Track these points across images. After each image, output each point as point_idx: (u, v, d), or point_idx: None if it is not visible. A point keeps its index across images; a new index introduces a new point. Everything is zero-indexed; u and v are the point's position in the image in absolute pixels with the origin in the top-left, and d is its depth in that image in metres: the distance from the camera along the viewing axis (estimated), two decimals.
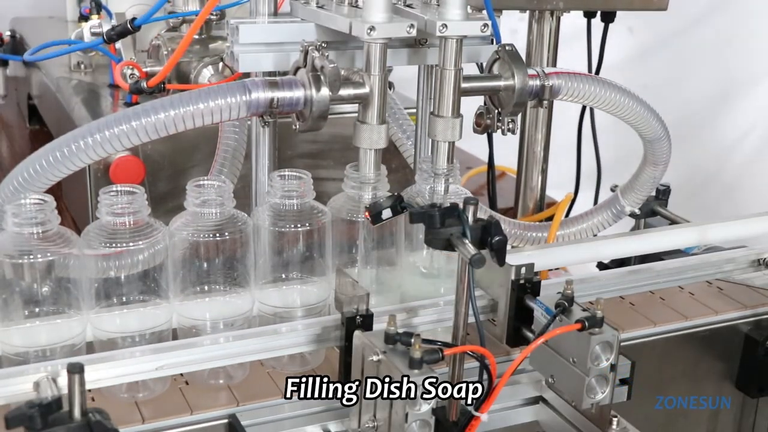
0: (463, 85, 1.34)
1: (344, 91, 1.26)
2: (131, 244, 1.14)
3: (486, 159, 2.18)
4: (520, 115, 1.43)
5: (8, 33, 2.52)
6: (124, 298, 1.16)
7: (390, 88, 1.73)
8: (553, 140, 1.97)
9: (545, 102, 1.43)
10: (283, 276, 1.26)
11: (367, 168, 1.30)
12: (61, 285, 1.13)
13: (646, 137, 1.62)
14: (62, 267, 1.13)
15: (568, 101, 1.48)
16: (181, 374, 1.20)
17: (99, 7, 2.06)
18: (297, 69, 1.28)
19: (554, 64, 1.89)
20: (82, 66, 2.13)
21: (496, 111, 1.41)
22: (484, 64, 1.44)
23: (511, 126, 1.42)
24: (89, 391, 1.13)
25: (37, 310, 1.14)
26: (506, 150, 2.18)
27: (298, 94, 1.25)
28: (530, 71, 1.40)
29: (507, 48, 1.38)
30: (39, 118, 2.38)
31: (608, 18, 1.95)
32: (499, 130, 1.43)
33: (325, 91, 1.24)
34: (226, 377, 1.22)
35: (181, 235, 1.19)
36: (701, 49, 3.43)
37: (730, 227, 1.68)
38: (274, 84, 1.25)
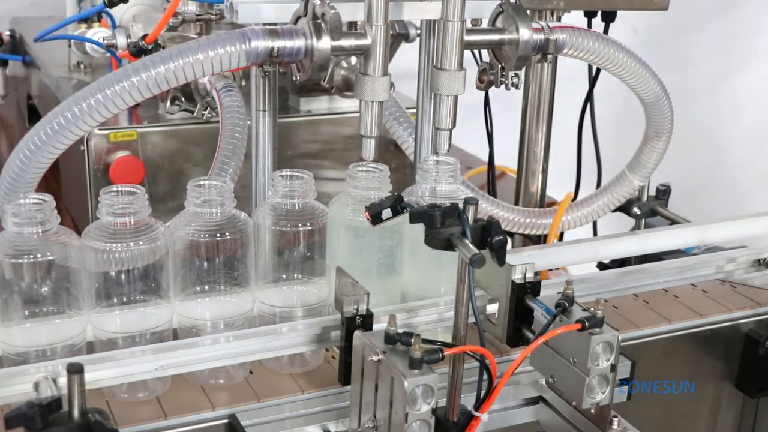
0: (467, 38, 1.32)
1: (346, 42, 1.25)
2: (132, 244, 1.14)
3: (486, 159, 2.18)
4: (523, 76, 1.40)
5: (8, 33, 2.52)
6: (124, 298, 1.16)
7: (390, 88, 1.74)
8: (553, 140, 1.97)
9: (549, 57, 1.41)
10: (284, 276, 1.26)
11: (368, 122, 1.29)
12: (61, 285, 1.13)
13: (645, 100, 1.62)
14: (62, 267, 1.13)
15: (572, 56, 1.47)
16: (182, 374, 1.20)
17: (100, 14, 2.06)
18: (298, 18, 1.27)
19: (555, 64, 1.89)
20: (82, 66, 2.13)
21: (500, 66, 1.40)
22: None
23: (515, 81, 1.39)
24: (92, 390, 1.14)
25: (37, 310, 1.14)
26: (506, 150, 2.18)
27: (298, 43, 1.23)
28: (534, 25, 1.39)
29: (511, 0, 1.37)
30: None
31: (609, 18, 1.95)
32: (503, 86, 1.41)
33: (326, 40, 1.22)
34: (227, 377, 1.22)
35: (181, 235, 1.19)
36: (701, 49, 3.43)
37: (730, 227, 1.68)
38: (274, 33, 1.23)
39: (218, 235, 1.18)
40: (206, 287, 1.21)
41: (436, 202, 1.06)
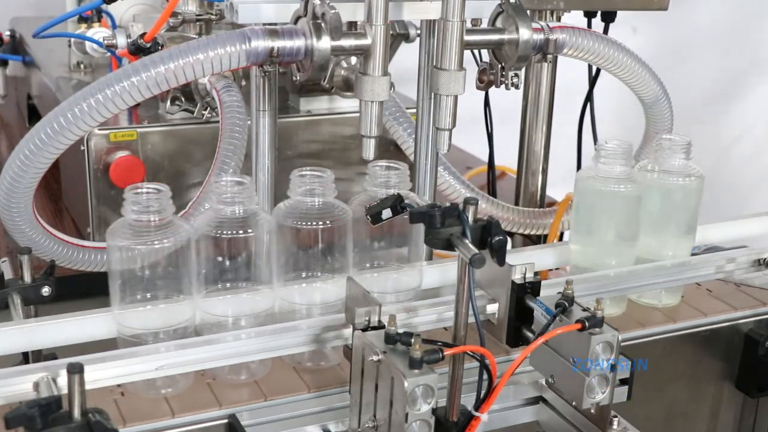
0: (467, 37, 1.33)
1: (346, 42, 1.25)
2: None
3: (486, 159, 2.18)
4: (523, 76, 1.42)
5: (8, 33, 2.52)
6: (148, 295, 1.18)
7: (390, 88, 1.74)
8: (553, 140, 1.97)
9: (549, 57, 1.42)
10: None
11: (368, 122, 1.30)
12: (175, 270, 1.18)
13: (645, 99, 1.63)
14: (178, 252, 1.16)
15: (572, 56, 1.48)
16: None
17: (99, 14, 2.06)
18: (298, 18, 1.27)
19: (554, 64, 1.89)
20: (82, 66, 2.13)
21: (499, 66, 1.40)
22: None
23: (515, 81, 1.40)
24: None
25: (148, 295, 1.19)
26: (506, 150, 2.18)
27: (298, 43, 1.24)
28: (534, 25, 1.39)
29: (511, 1, 1.37)
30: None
31: (609, 18, 1.95)
32: (503, 86, 1.41)
33: (326, 41, 1.23)
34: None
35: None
36: (701, 49, 3.43)
37: (730, 227, 1.68)
38: (274, 33, 1.23)
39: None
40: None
41: (436, 202, 1.07)
